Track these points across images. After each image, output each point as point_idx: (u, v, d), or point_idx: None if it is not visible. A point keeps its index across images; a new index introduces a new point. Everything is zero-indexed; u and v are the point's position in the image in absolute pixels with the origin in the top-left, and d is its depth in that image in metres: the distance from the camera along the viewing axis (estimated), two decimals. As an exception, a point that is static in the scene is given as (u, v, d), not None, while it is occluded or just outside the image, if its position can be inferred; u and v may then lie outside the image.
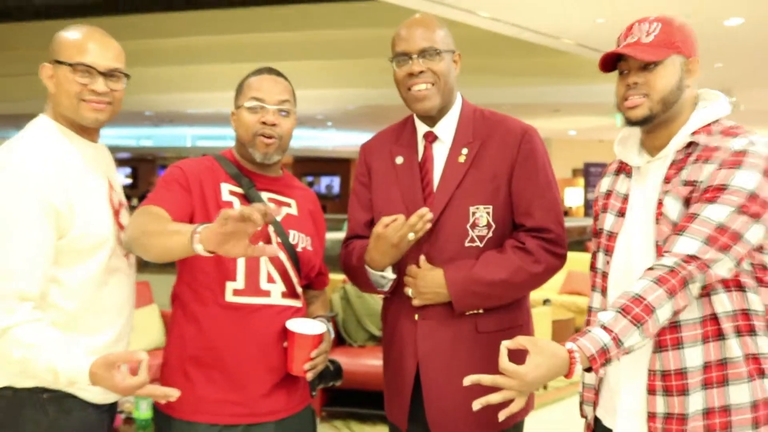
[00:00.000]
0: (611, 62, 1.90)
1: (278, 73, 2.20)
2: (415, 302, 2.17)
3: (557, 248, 2.17)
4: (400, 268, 2.19)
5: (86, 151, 2.06)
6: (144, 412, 3.70)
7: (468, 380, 1.70)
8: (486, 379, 1.68)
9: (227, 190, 2.13)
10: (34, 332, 1.86)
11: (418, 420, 2.20)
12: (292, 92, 2.19)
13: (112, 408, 2.12)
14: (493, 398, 1.67)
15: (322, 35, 11.49)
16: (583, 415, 2.08)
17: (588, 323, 2.01)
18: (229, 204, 2.10)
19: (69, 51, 2.01)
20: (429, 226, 2.09)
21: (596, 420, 2.01)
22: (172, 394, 1.82)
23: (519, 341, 1.69)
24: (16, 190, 1.88)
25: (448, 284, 2.12)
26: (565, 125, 17.13)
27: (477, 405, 1.69)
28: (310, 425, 2.23)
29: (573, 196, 19.89)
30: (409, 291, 2.18)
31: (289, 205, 2.22)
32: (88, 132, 2.08)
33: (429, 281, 2.14)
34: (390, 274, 2.18)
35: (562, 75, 11.39)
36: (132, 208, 2.15)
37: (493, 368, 2.01)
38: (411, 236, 2.08)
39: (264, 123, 2.11)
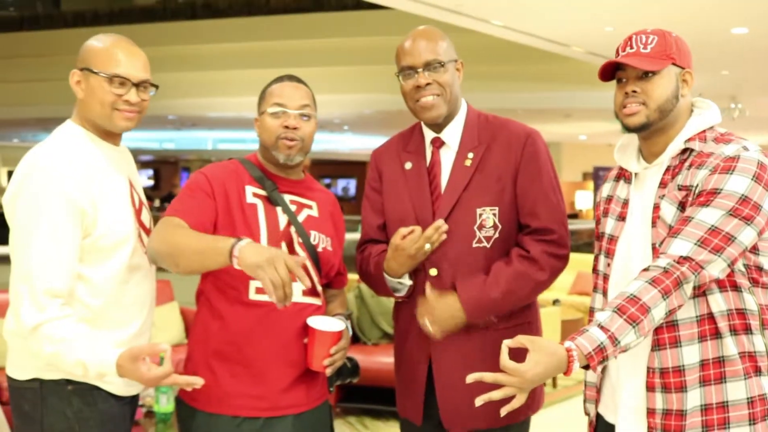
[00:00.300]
0: (610, 71, 1.95)
1: (299, 80, 2.25)
2: (436, 333, 2.15)
3: (560, 249, 2.21)
4: (415, 273, 2.24)
5: (110, 154, 2.11)
6: (164, 406, 3.72)
7: (471, 378, 1.77)
8: (488, 376, 1.74)
9: (251, 192, 2.18)
10: (64, 328, 1.91)
11: (430, 416, 2.26)
12: (313, 97, 2.24)
13: (134, 400, 2.16)
14: (495, 395, 1.73)
15: (338, 43, 11.61)
16: (586, 413, 2.11)
17: (590, 323, 2.09)
18: (253, 206, 2.16)
19: (101, 61, 2.04)
20: (444, 237, 2.15)
21: (599, 417, 2.05)
22: (196, 382, 1.89)
23: (519, 340, 1.74)
24: (45, 192, 1.94)
25: (463, 307, 2.15)
26: (575, 130, 16.97)
27: (479, 401, 1.75)
28: (327, 419, 2.28)
29: (583, 199, 19.57)
30: (426, 323, 2.16)
31: (310, 207, 2.27)
32: (112, 136, 2.13)
33: (445, 309, 2.15)
34: (407, 281, 2.22)
35: (572, 81, 11.38)
36: (155, 209, 2.29)
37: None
38: (427, 247, 2.14)
39: (286, 127, 2.16)
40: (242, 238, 1.94)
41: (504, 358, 1.72)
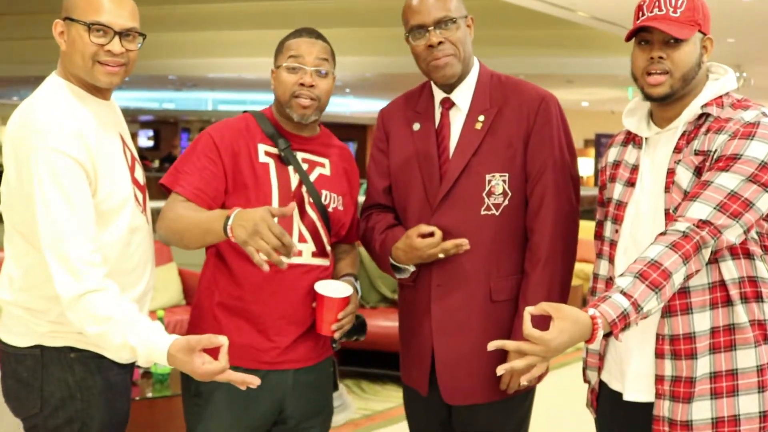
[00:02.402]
0: (633, 31, 1.90)
1: (318, 34, 2.19)
2: (543, 370, 1.82)
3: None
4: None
5: (99, 110, 1.99)
6: (161, 367, 3.68)
7: (492, 345, 1.72)
8: (510, 344, 1.70)
9: (263, 150, 2.16)
10: (109, 304, 1.83)
11: (436, 386, 2.23)
12: (331, 53, 2.19)
13: (132, 366, 2.11)
14: (518, 364, 1.68)
15: (341, 3, 11.49)
16: (586, 381, 2.10)
17: (594, 290, 2.07)
18: (265, 166, 2.15)
19: (83, 8, 1.91)
20: (463, 252, 2.09)
21: (602, 385, 2.05)
22: (253, 381, 1.81)
23: (543, 307, 1.70)
24: (50, 153, 1.84)
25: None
26: (578, 96, 16.93)
27: (501, 370, 1.71)
28: (329, 375, 2.30)
29: (584, 166, 19.69)
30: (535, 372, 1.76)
31: (323, 165, 2.25)
32: (101, 91, 2.00)
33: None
34: (411, 267, 2.19)
35: (576, 47, 11.26)
36: (153, 170, 2.22)
37: (504, 336, 2.09)
38: (441, 256, 2.09)
39: (302, 84, 2.12)
40: (232, 212, 1.95)
41: (527, 326, 1.67)
